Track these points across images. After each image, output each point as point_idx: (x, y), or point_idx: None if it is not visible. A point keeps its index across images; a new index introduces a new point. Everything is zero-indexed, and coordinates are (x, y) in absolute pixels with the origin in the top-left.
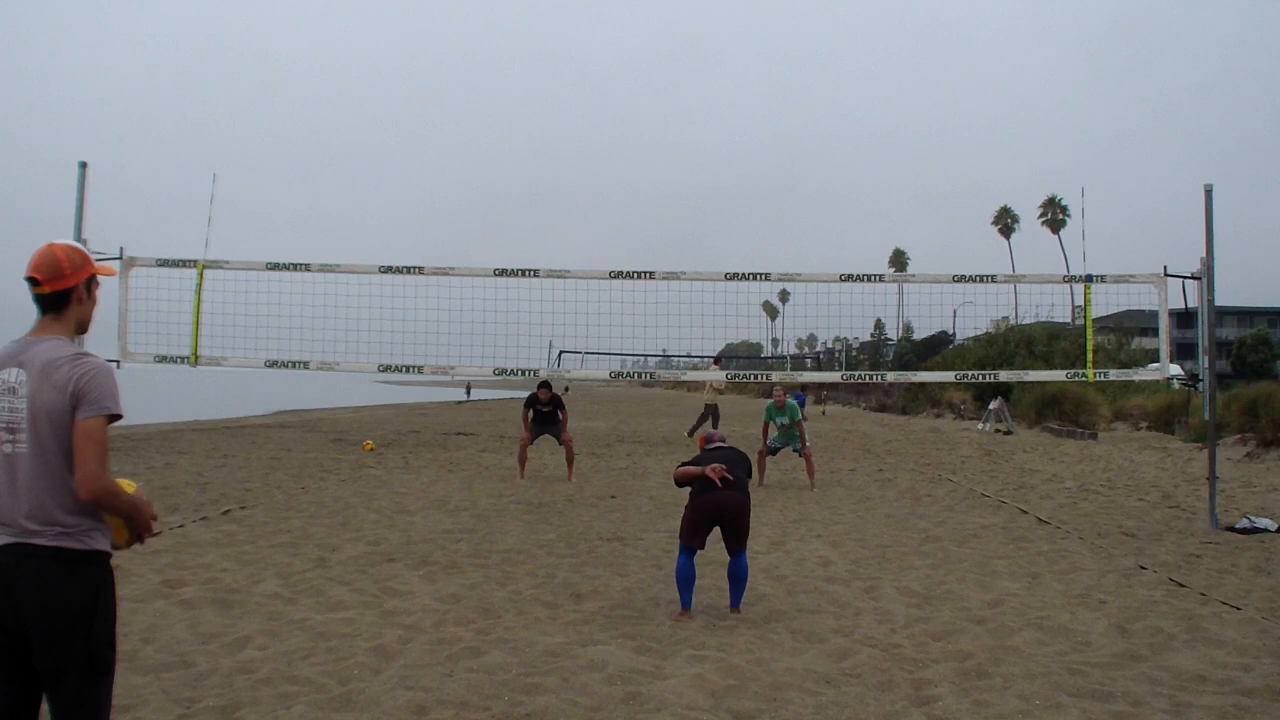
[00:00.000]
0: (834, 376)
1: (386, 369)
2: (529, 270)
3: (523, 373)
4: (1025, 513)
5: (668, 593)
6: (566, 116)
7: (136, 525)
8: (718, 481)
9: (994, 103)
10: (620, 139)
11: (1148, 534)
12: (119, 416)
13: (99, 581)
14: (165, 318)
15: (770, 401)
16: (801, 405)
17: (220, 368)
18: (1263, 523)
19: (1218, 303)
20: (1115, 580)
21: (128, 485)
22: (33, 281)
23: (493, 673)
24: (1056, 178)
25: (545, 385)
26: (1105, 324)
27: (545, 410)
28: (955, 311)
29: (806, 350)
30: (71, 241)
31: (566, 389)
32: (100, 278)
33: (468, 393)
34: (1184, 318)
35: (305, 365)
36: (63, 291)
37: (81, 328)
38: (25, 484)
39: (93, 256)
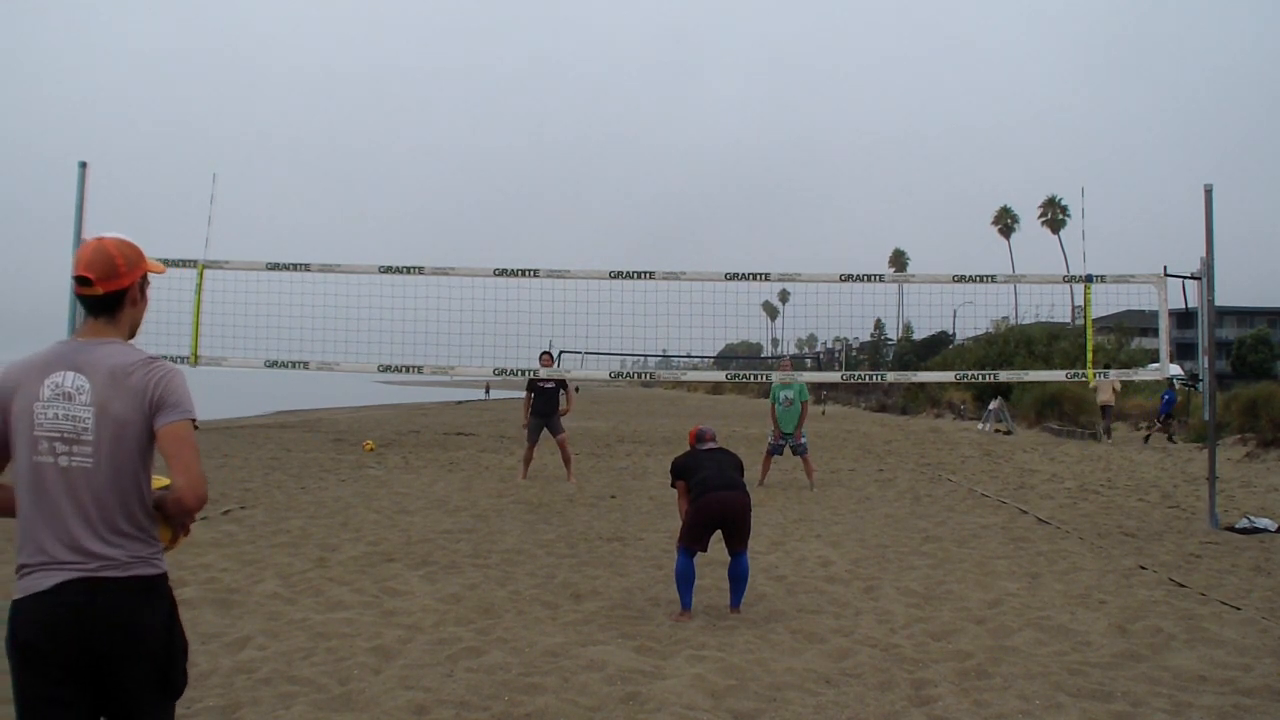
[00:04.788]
0: (834, 376)
1: (386, 369)
2: (529, 270)
3: (522, 373)
4: (1025, 513)
5: (668, 593)
6: (566, 117)
7: (182, 524)
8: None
9: (994, 102)
10: (621, 138)
11: (1148, 534)
12: (196, 422)
13: (171, 604)
14: (165, 318)
15: (776, 380)
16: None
17: (220, 368)
18: (1263, 523)
19: (1218, 303)
20: (1115, 580)
21: (161, 481)
22: (83, 281)
23: (493, 673)
24: (1056, 178)
25: (546, 353)
26: (1105, 324)
27: (548, 388)
28: (955, 311)
29: (806, 350)
30: (123, 235)
31: (577, 389)
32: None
33: (486, 392)
34: (1184, 318)
35: (305, 365)
36: (117, 292)
37: (133, 332)
38: (91, 503)
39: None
